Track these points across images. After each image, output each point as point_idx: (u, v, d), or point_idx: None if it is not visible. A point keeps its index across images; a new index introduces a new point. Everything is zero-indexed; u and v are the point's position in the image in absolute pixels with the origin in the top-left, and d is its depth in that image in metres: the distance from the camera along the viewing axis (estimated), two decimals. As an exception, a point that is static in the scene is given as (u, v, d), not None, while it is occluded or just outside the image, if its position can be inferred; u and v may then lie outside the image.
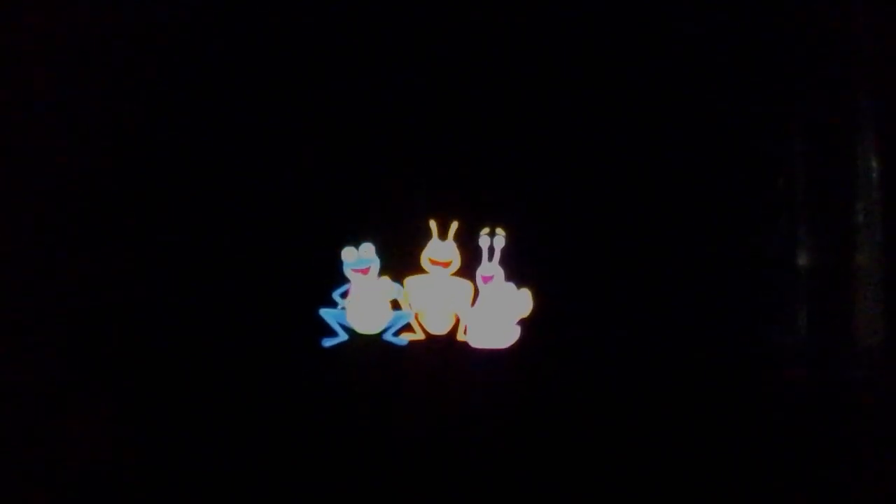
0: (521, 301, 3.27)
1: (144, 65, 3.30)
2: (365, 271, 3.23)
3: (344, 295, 3.23)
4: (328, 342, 3.23)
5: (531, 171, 3.35)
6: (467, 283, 3.29)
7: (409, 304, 3.27)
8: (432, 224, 3.27)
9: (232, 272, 3.25)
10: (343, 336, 3.24)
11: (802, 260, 3.31)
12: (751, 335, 3.30)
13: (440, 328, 3.29)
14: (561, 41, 3.35)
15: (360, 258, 3.23)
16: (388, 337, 3.27)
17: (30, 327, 3.19)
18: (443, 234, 3.27)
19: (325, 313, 3.23)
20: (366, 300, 3.24)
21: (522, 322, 3.27)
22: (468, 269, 3.28)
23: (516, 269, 3.29)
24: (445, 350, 3.28)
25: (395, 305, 3.28)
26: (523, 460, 3.23)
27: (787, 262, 3.32)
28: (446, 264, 3.27)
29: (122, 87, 3.30)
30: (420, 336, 3.29)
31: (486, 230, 3.28)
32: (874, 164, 3.25)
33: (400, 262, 3.27)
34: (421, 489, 3.19)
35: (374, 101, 3.34)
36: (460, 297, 3.28)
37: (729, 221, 3.33)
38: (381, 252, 3.24)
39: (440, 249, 3.26)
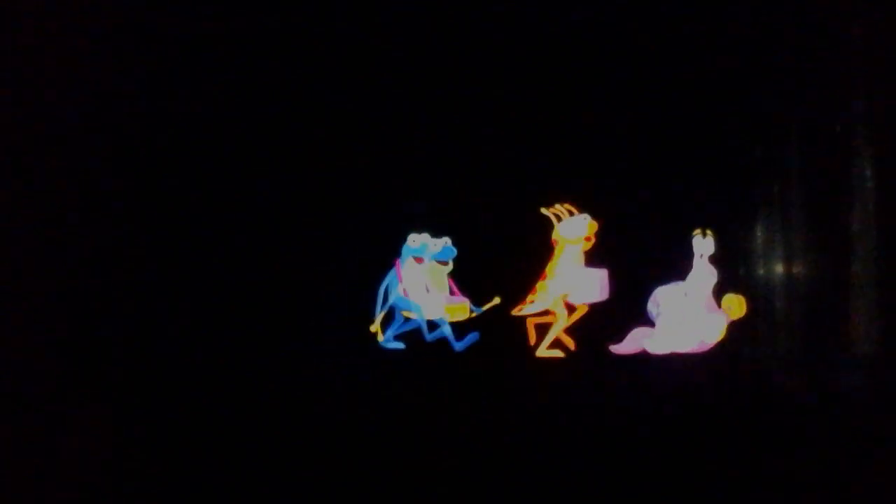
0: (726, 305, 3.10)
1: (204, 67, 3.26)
2: (420, 260, 3.17)
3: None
4: (461, 346, 3.16)
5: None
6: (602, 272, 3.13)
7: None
8: (560, 207, 3.11)
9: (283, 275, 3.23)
10: (474, 336, 3.16)
11: (798, 267, 3.17)
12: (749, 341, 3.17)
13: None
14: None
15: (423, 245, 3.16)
16: (388, 342, 3.18)
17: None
18: (571, 212, 3.12)
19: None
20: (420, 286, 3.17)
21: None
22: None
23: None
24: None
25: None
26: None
27: (783, 268, 3.18)
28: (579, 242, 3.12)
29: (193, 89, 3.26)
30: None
31: (697, 231, 3.10)
32: (871, 172, 3.12)
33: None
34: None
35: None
36: (592, 286, 3.13)
37: (727, 227, 3.17)
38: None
39: (575, 226, 3.11)
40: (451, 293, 3.17)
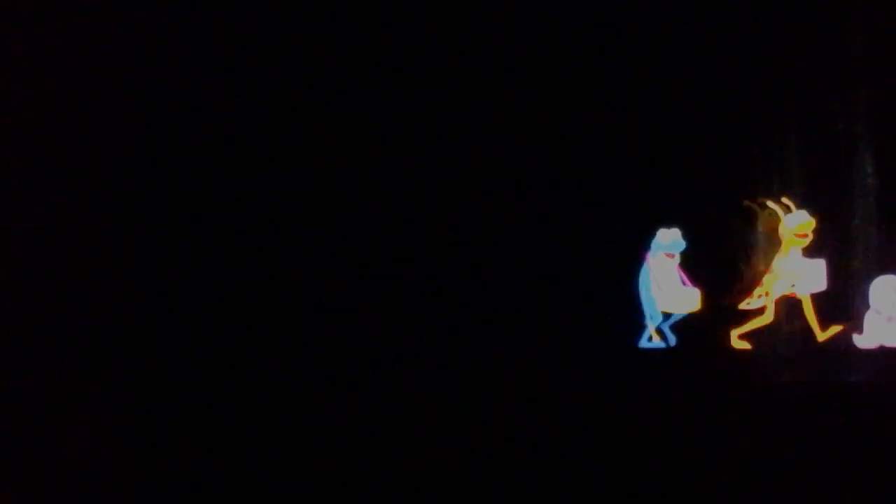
0: None
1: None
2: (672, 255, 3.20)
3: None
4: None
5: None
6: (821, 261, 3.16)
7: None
8: (785, 200, 3.14)
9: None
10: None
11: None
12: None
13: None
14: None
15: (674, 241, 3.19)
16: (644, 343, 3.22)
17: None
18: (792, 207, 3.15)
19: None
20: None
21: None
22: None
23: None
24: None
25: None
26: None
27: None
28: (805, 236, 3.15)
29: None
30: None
31: None
32: (873, 165, 3.13)
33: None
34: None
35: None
36: (815, 276, 3.15)
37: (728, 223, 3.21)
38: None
39: (800, 220, 3.14)
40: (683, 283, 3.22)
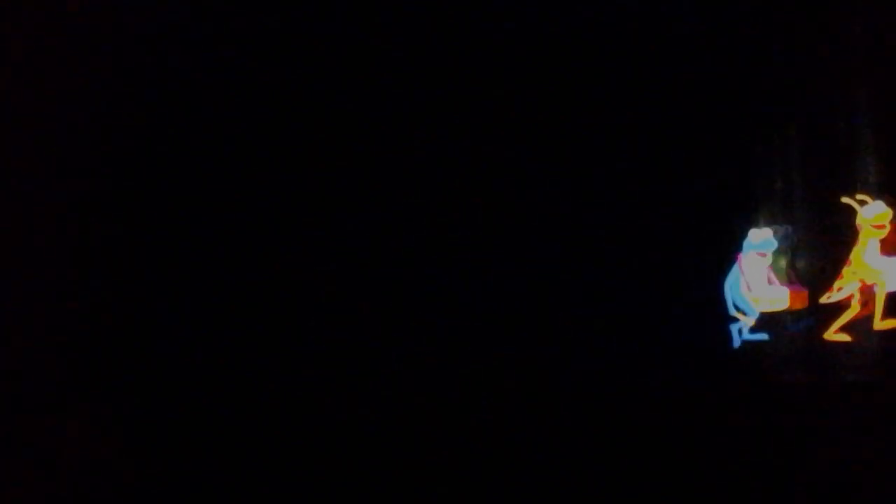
0: None
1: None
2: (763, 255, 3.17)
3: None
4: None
5: None
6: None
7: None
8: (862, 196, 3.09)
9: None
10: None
11: (801, 264, 3.21)
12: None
13: None
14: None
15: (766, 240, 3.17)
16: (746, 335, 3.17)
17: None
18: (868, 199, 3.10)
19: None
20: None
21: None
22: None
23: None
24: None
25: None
26: None
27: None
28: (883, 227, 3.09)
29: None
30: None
31: None
32: (872, 167, 3.17)
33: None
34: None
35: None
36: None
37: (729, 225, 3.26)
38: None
39: (877, 210, 3.08)
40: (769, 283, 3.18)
